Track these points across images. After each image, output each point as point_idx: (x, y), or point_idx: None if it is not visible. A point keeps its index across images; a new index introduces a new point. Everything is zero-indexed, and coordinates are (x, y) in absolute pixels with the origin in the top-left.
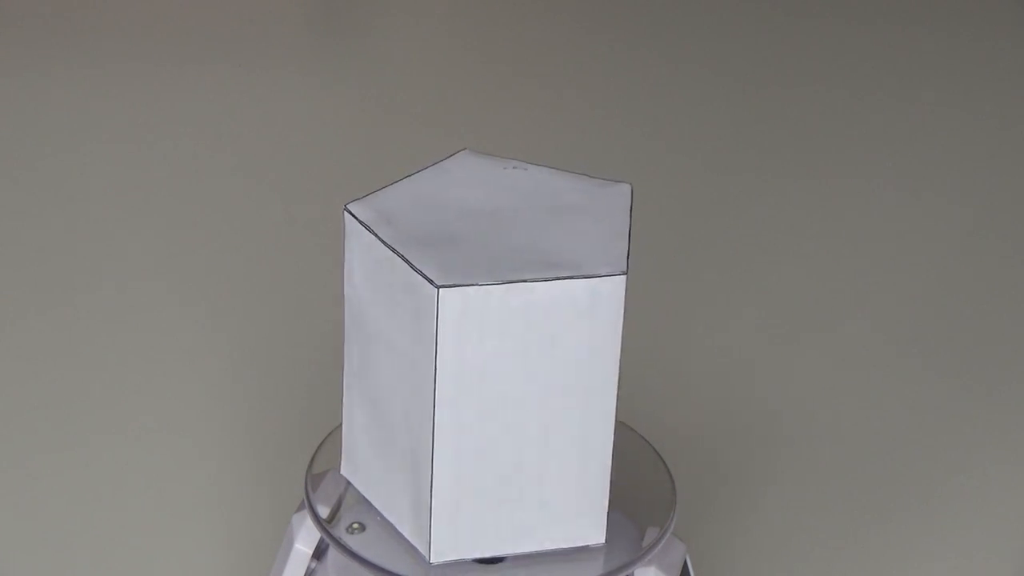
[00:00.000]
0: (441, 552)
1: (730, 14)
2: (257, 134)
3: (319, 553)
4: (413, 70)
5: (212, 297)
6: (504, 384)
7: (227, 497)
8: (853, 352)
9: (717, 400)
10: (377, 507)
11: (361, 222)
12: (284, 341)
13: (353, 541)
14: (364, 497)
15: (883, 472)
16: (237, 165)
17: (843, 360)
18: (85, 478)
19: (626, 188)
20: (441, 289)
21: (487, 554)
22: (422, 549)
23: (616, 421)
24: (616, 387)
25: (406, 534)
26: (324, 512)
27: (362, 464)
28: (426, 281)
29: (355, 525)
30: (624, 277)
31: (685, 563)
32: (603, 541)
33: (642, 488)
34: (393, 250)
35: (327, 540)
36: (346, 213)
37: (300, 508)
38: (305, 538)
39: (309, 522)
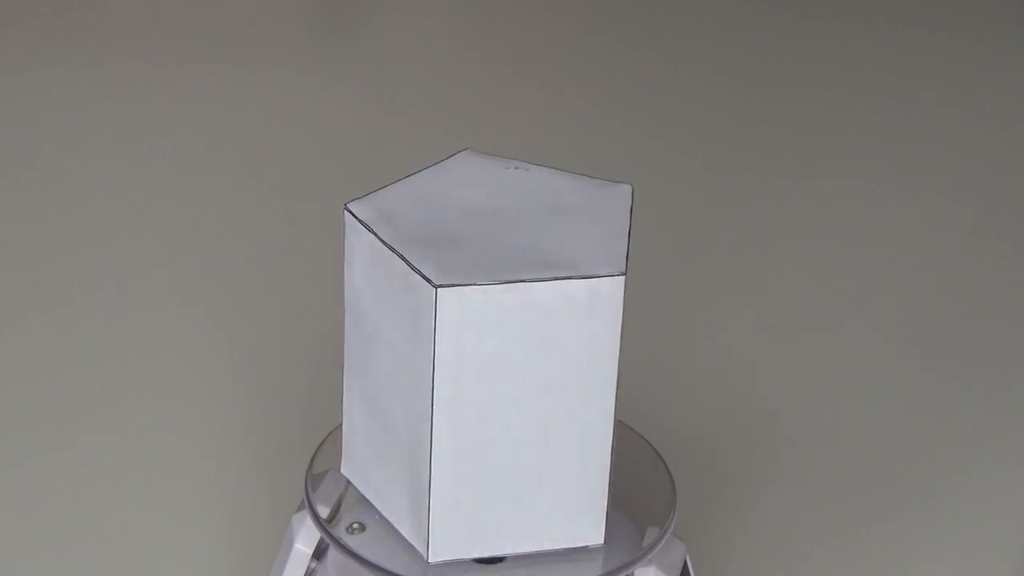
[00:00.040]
0: (439, 551)
1: (730, 14)
2: (257, 134)
3: (319, 553)
4: (413, 70)
5: (212, 297)
6: (503, 384)
7: (227, 497)
8: (853, 352)
9: (717, 400)
10: (376, 506)
11: (361, 221)
12: (284, 341)
13: (353, 541)
14: (364, 497)
15: (883, 472)
16: (237, 165)
17: (843, 360)
18: (85, 478)
19: (627, 189)
20: (439, 289)
21: (485, 554)
22: (420, 548)
23: (616, 421)
24: (615, 387)
25: (405, 533)
26: (324, 512)
27: (362, 463)
28: (424, 281)
29: (355, 525)
30: (623, 278)
31: (685, 563)
32: (602, 542)
33: (642, 488)
34: (392, 249)
35: (327, 540)
36: (346, 212)
37: (300, 508)
38: (305, 538)
39: (309, 522)
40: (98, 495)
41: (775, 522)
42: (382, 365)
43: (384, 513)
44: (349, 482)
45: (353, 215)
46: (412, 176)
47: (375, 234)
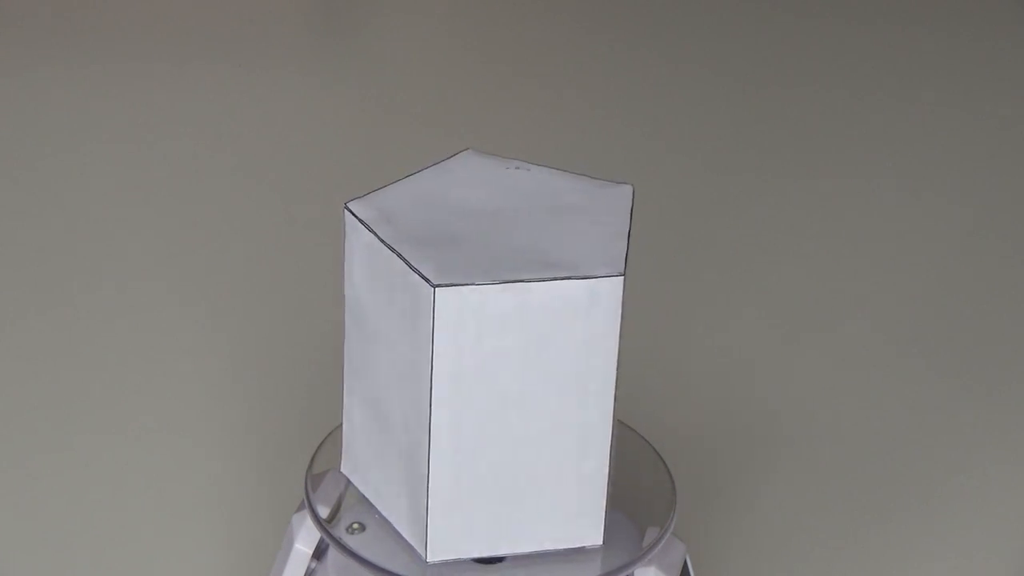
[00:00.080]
0: (438, 551)
1: (730, 14)
2: (257, 134)
3: (319, 553)
4: (413, 70)
5: (212, 297)
6: (501, 384)
7: (227, 497)
8: (853, 352)
9: (717, 400)
10: (376, 505)
11: (361, 220)
12: (284, 341)
13: (353, 541)
14: (364, 497)
15: (883, 472)
16: (237, 165)
17: (843, 360)
18: (85, 478)
19: (627, 189)
20: (437, 288)
21: (484, 554)
22: (419, 548)
23: (616, 421)
24: (614, 388)
25: (404, 533)
26: (324, 512)
27: (361, 463)
28: (423, 280)
29: (355, 525)
30: (622, 278)
31: (685, 563)
32: (600, 542)
33: (642, 488)
34: (391, 249)
35: (327, 540)
36: (346, 211)
37: (300, 508)
38: (305, 538)
39: (309, 522)
40: (98, 495)
41: (775, 522)
42: (382, 364)
43: (383, 512)
44: (349, 482)
45: (353, 214)
46: (413, 176)
47: (375, 233)
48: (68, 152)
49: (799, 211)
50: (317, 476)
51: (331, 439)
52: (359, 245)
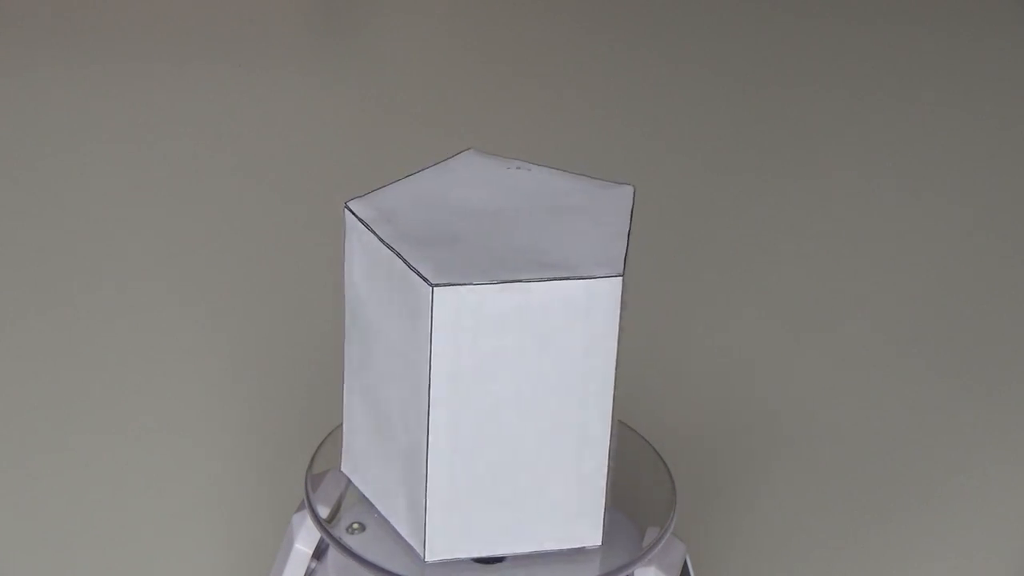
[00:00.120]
0: (436, 550)
1: (730, 14)
2: (257, 134)
3: (319, 553)
4: (413, 70)
5: (212, 297)
6: (499, 384)
7: (227, 497)
8: (853, 352)
9: (717, 400)
10: (375, 505)
11: (361, 219)
12: (284, 341)
13: (353, 541)
14: (364, 497)
15: (883, 472)
16: (237, 165)
17: (843, 360)
18: (85, 478)
19: (628, 190)
20: (435, 288)
21: (482, 553)
22: (417, 547)
23: (616, 421)
24: (613, 389)
25: (403, 532)
26: (324, 512)
27: (361, 462)
28: (421, 280)
29: (355, 525)
30: (620, 279)
31: (685, 563)
32: (599, 543)
33: (642, 488)
34: (390, 248)
35: (327, 540)
36: (346, 210)
37: (300, 508)
38: (305, 538)
39: (309, 522)
40: (98, 495)
41: (775, 522)
42: (381, 364)
43: (383, 512)
44: (349, 482)
45: (353, 213)
46: (414, 175)
47: (374, 233)
48: (68, 152)
49: (799, 211)
50: (317, 476)
51: (331, 439)
52: (359, 244)
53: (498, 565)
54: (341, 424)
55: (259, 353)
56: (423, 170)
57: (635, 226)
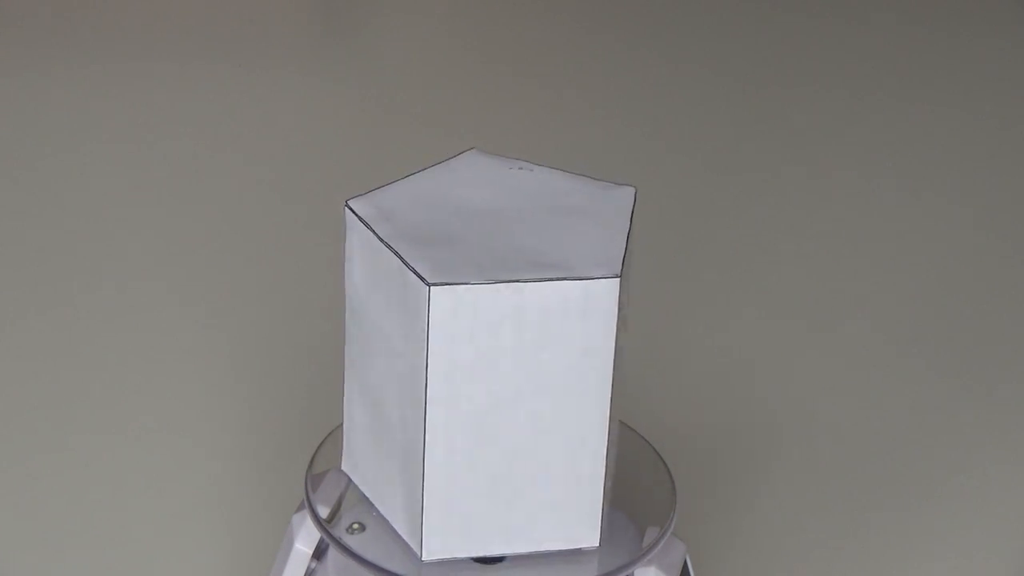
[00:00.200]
0: (433, 550)
1: (730, 14)
2: (257, 134)
3: (319, 553)
4: (413, 70)
5: (212, 297)
6: (496, 383)
7: (227, 497)
8: (853, 352)
9: (717, 400)
10: (375, 504)
11: (360, 218)
12: (284, 341)
13: (353, 541)
14: (364, 496)
15: (883, 472)
16: (237, 165)
17: (843, 360)
18: (85, 478)
19: (629, 191)
20: (432, 287)
21: (480, 553)
22: (415, 547)
23: (616, 421)
24: (611, 390)
25: (401, 531)
26: (324, 512)
27: (361, 460)
28: (418, 279)
29: (355, 525)
30: (617, 280)
31: (685, 563)
32: (597, 544)
33: (642, 488)
34: (388, 247)
35: (327, 540)
36: (346, 209)
37: (300, 508)
38: (305, 538)
39: (309, 522)
40: (98, 495)
41: (775, 522)
42: (380, 362)
43: (381, 510)
44: (349, 482)
45: (353, 212)
46: (415, 175)
47: (373, 231)
48: (68, 152)
49: (799, 211)
50: (317, 476)
51: (331, 439)
52: (358, 243)
53: (497, 565)
54: (341, 424)
55: (259, 353)
56: (425, 169)
57: (635, 226)
